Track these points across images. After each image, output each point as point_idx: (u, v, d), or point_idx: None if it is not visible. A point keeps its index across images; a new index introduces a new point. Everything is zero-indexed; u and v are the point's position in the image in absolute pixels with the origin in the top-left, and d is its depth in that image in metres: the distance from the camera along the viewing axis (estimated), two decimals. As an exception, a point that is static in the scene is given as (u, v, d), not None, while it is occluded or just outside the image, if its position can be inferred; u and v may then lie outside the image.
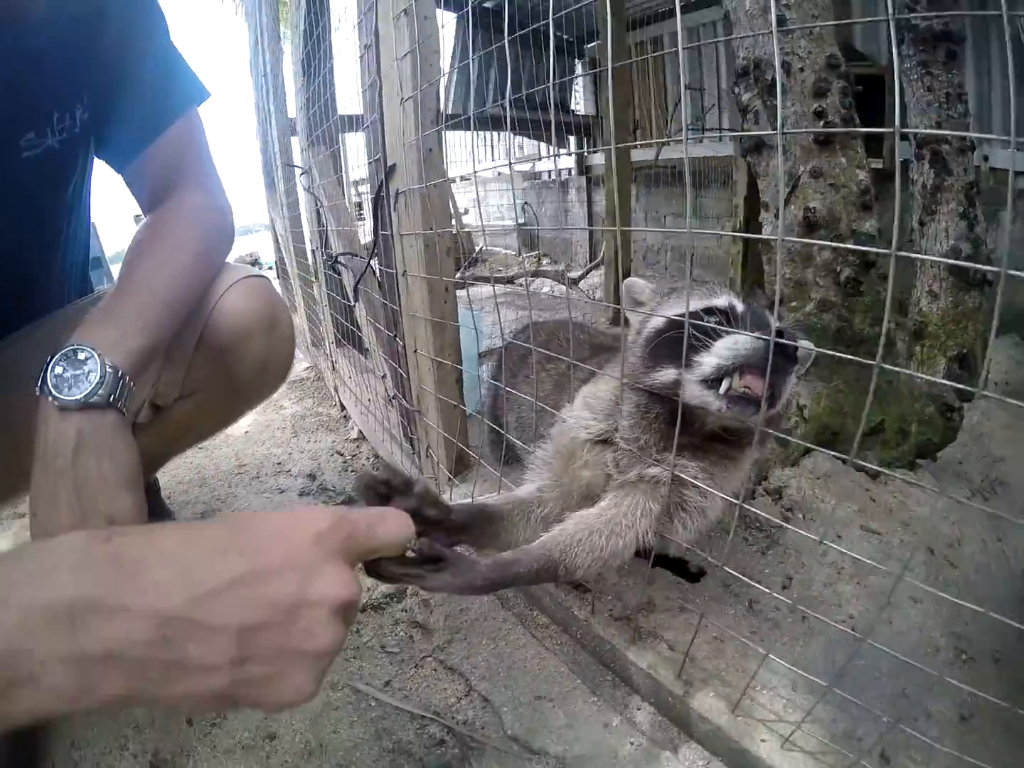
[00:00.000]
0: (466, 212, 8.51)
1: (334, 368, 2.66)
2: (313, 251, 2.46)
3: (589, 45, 6.54)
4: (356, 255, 1.73)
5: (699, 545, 1.48)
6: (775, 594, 1.02)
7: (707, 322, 0.87)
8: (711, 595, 1.33)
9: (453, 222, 7.19)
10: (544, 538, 0.97)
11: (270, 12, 3.21)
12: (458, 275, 5.33)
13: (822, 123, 1.58)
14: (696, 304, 0.95)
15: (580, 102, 7.59)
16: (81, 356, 0.68)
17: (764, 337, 0.78)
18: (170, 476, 2.16)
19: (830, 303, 1.59)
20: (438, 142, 1.32)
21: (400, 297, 1.50)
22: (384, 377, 1.84)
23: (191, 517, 1.89)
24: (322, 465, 2.31)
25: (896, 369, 1.67)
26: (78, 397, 0.66)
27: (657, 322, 0.98)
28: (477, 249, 7.42)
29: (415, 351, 1.50)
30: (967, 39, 4.74)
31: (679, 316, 0.92)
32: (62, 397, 0.66)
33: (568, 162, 7.39)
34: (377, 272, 1.66)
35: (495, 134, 7.28)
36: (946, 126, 2.87)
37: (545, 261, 7.45)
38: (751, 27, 1.64)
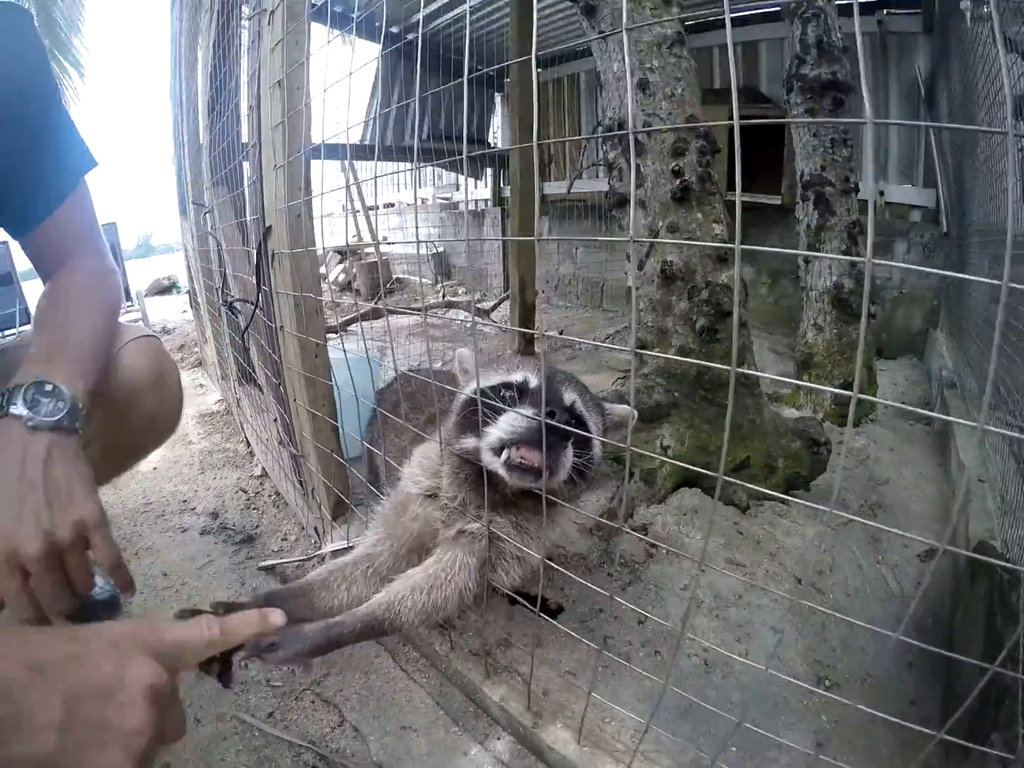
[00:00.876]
0: (386, 240, 8.53)
1: (239, 405, 2.64)
2: (217, 290, 2.44)
3: (507, 79, 6.72)
4: (249, 302, 1.74)
5: (557, 582, 1.56)
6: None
7: (504, 396, 1.00)
8: (568, 630, 1.38)
9: (369, 250, 7.22)
10: (372, 599, 1.06)
11: (189, 42, 3.17)
12: (372, 303, 5.43)
13: (678, 181, 1.70)
14: (494, 379, 1.07)
15: (498, 135, 7.72)
16: (48, 388, 0.79)
17: (533, 417, 0.89)
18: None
19: (689, 349, 1.71)
20: (306, 210, 1.37)
21: (279, 349, 1.53)
22: (275, 420, 1.85)
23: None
24: (226, 503, 2.29)
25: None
26: (51, 419, 0.77)
27: (465, 395, 1.09)
28: (393, 278, 7.43)
29: (294, 400, 1.53)
30: (855, 88, 5.11)
31: (479, 390, 1.02)
32: (37, 417, 0.76)
33: (484, 193, 7.52)
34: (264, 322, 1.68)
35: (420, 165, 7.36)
36: (829, 169, 3.11)
37: (461, 290, 7.53)
38: (617, 88, 1.75)
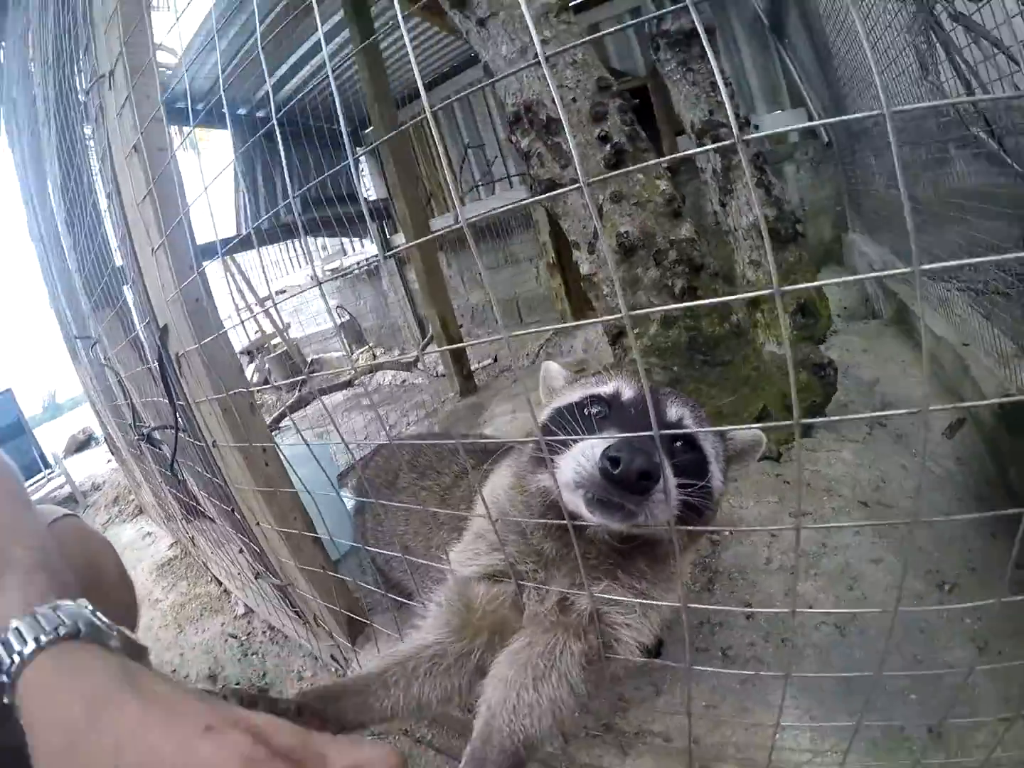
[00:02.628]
0: (288, 327, 8.28)
1: (194, 544, 2.31)
2: (129, 426, 2.13)
3: (366, 131, 6.60)
4: (167, 427, 1.46)
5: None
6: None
7: (589, 412, 0.79)
8: (678, 662, 1.19)
9: (276, 340, 6.92)
10: (479, 722, 0.81)
11: (35, 170, 2.85)
12: (296, 392, 5.16)
13: (608, 146, 1.55)
14: (578, 393, 0.85)
15: (371, 188, 7.61)
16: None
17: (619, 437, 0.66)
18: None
19: (672, 318, 1.55)
20: (205, 290, 1.12)
21: (220, 469, 1.26)
22: (241, 551, 1.56)
23: None
24: (219, 658, 2.01)
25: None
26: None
27: (543, 416, 0.88)
28: (309, 361, 7.19)
29: (257, 524, 1.25)
30: (716, 28, 5.28)
31: (558, 410, 0.83)
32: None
33: (373, 249, 7.31)
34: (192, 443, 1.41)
35: (300, 241, 7.15)
36: (717, 112, 3.08)
37: (379, 352, 7.29)
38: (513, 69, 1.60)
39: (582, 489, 0.71)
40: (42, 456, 5.24)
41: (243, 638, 2.04)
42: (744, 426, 0.78)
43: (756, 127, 5.04)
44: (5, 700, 0.50)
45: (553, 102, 1.52)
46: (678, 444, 0.80)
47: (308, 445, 1.13)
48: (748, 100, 5.35)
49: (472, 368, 4.40)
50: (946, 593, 1.25)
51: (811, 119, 5.03)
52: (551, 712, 0.81)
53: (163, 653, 2.13)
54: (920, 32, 2.19)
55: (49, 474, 5.21)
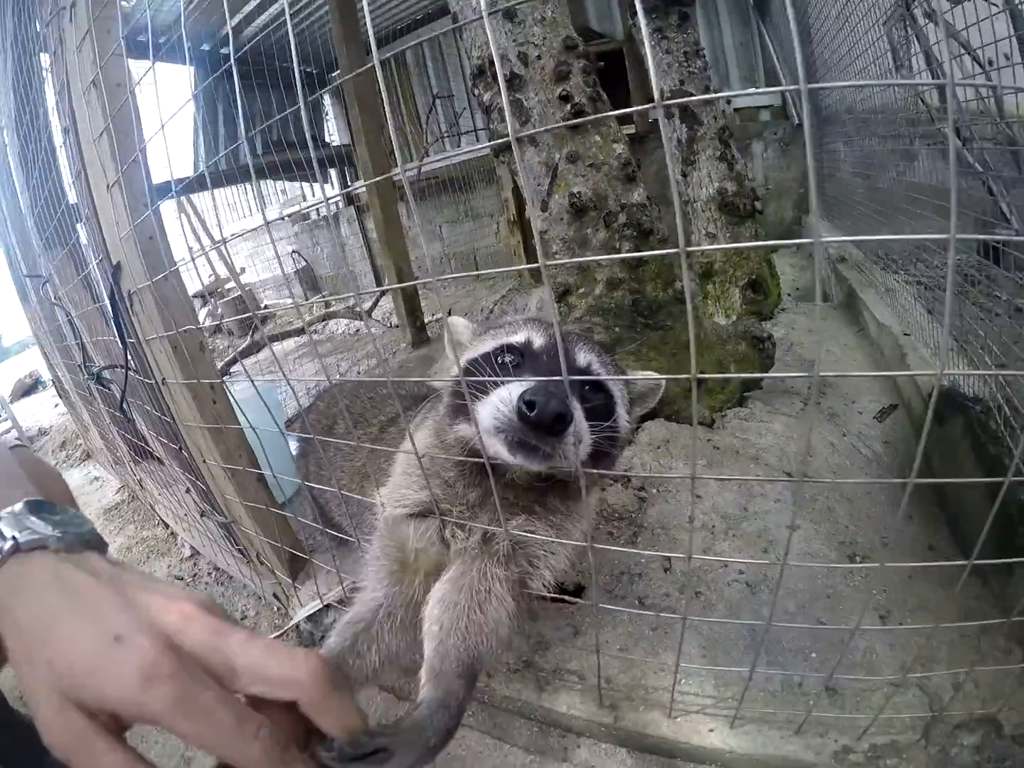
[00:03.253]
0: (243, 271, 8.04)
1: (142, 486, 2.31)
2: (79, 366, 2.09)
3: (333, 74, 6.34)
4: (117, 366, 1.46)
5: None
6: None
7: (504, 361, 0.82)
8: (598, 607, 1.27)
9: (231, 285, 6.73)
10: (430, 649, 0.87)
11: None
12: (248, 338, 5.05)
13: (569, 106, 1.57)
14: (490, 344, 0.88)
15: (334, 132, 7.38)
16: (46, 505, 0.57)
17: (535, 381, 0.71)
18: None
19: (617, 280, 1.60)
20: (159, 227, 1.12)
21: (169, 406, 1.28)
22: (188, 491, 1.58)
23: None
24: (165, 599, 2.00)
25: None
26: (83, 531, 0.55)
27: (455, 371, 0.89)
28: (262, 306, 7.03)
29: (204, 461, 1.28)
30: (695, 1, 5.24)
31: (472, 361, 0.86)
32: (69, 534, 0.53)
33: (332, 193, 7.16)
34: (141, 382, 1.41)
35: (260, 183, 6.88)
36: (688, 83, 3.10)
37: (333, 302, 7.17)
38: (481, 23, 1.59)
39: (502, 434, 0.74)
40: None
41: (189, 580, 2.06)
42: (646, 374, 0.84)
43: (728, 102, 5.08)
44: None
45: (518, 57, 1.53)
46: (587, 388, 0.85)
47: (256, 387, 1.16)
48: (723, 75, 5.36)
49: (426, 320, 4.37)
50: (856, 563, 1.33)
51: (785, 102, 5.08)
52: (496, 631, 0.88)
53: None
54: (896, 24, 2.24)
55: None
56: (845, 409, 2.02)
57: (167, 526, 2.40)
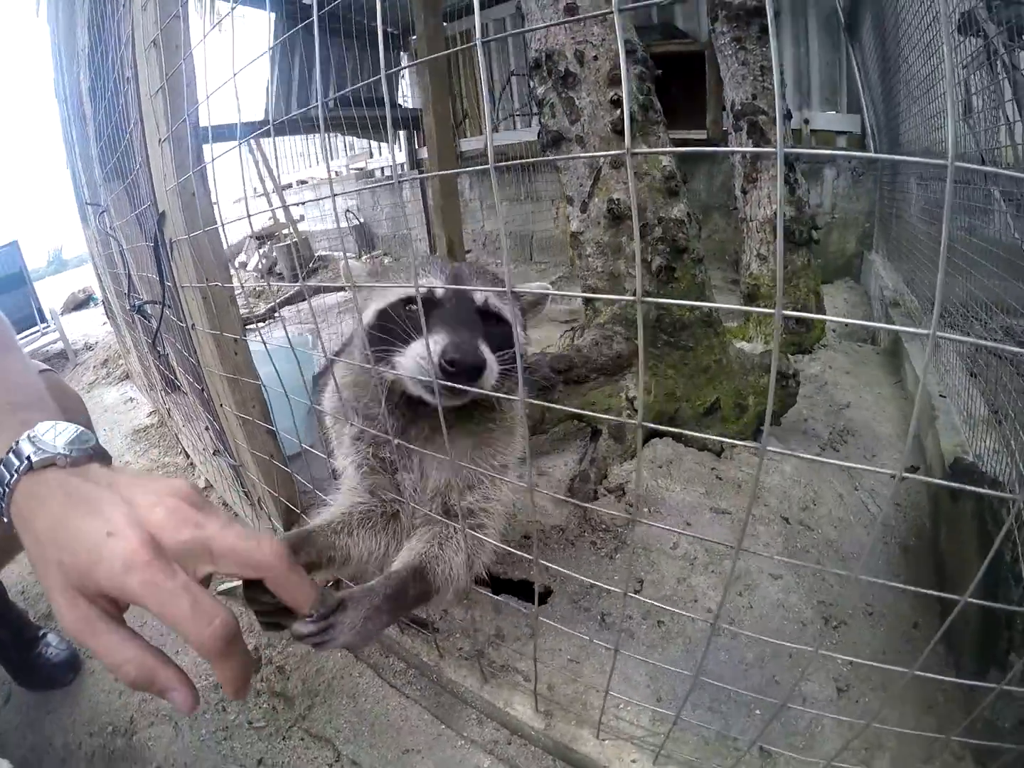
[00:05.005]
0: (301, 219, 8.10)
1: (170, 415, 2.42)
2: (124, 294, 2.20)
3: (413, 37, 6.34)
4: (156, 302, 1.54)
5: (543, 558, 1.46)
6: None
7: (411, 311, 0.92)
8: (561, 615, 1.30)
9: (287, 230, 6.82)
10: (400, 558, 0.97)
11: (67, 26, 2.81)
12: (297, 285, 5.04)
13: (619, 112, 1.56)
14: (394, 295, 0.96)
15: (408, 95, 7.27)
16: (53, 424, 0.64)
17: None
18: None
19: (645, 292, 1.59)
20: (203, 185, 1.17)
21: (195, 350, 1.35)
22: (207, 428, 1.67)
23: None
24: (173, 524, 2.11)
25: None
26: (87, 445, 0.63)
27: (368, 317, 0.98)
28: (315, 256, 7.11)
29: (221, 405, 1.35)
30: (780, 12, 5.07)
31: (381, 312, 0.95)
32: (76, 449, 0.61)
33: (400, 158, 7.15)
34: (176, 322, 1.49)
35: (328, 136, 6.94)
36: (760, 98, 3.02)
37: (387, 260, 7.17)
38: (542, 18, 1.59)
39: (425, 385, 0.84)
40: (39, 310, 5.21)
41: (201, 510, 2.17)
42: (533, 286, 1.05)
43: (806, 121, 4.93)
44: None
45: (574, 55, 1.53)
46: (489, 322, 0.94)
47: (289, 341, 1.20)
48: (805, 93, 5.18)
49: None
50: (830, 629, 1.28)
51: (864, 129, 4.90)
52: (451, 566, 0.96)
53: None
54: (977, 69, 2.13)
55: (44, 328, 5.19)
56: (863, 460, 1.95)
57: (188, 456, 2.50)
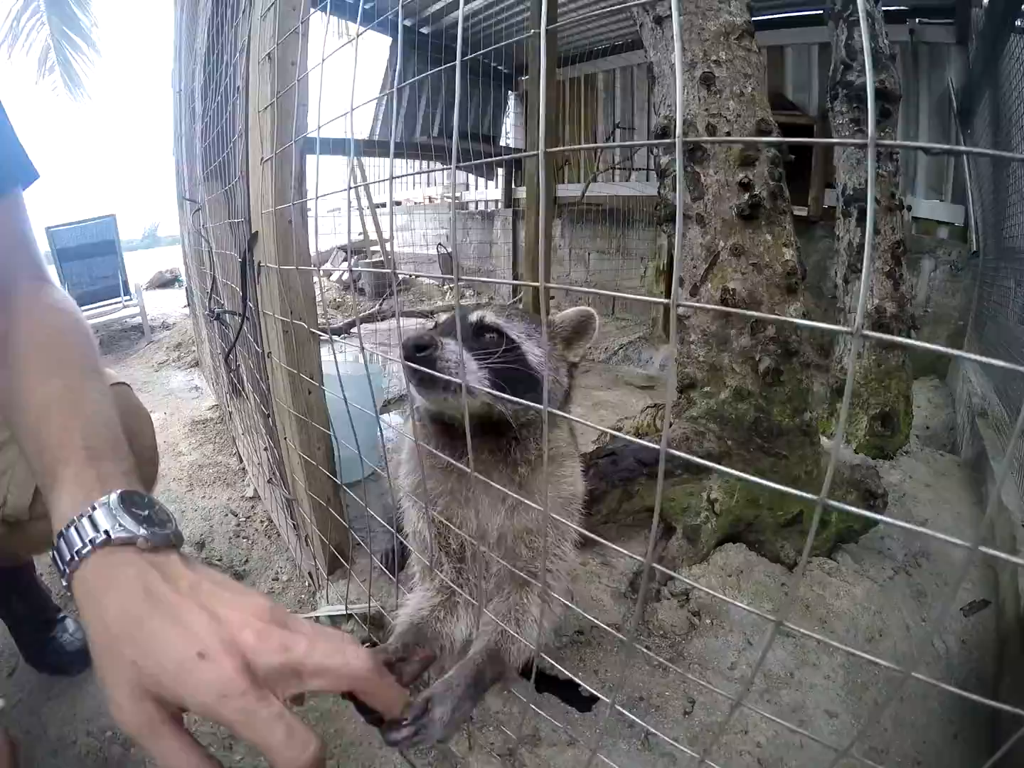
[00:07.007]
0: (392, 239, 8.27)
1: (231, 416, 2.42)
2: (207, 293, 2.22)
3: (523, 77, 6.46)
4: (236, 314, 1.52)
5: (590, 664, 1.35)
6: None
7: None
8: (604, 726, 1.18)
9: (375, 248, 6.97)
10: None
11: (189, 23, 2.93)
12: (377, 305, 5.20)
13: (747, 195, 1.47)
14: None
15: (511, 134, 7.47)
16: (136, 498, 0.61)
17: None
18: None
19: (747, 392, 1.48)
20: (301, 217, 1.13)
21: (268, 377, 1.31)
22: (267, 450, 1.62)
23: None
24: (214, 528, 2.10)
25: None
26: (166, 532, 0.60)
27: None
28: (400, 278, 7.20)
29: (285, 439, 1.30)
30: (901, 96, 4.93)
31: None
32: (159, 533, 0.58)
33: (495, 194, 7.26)
34: (253, 342, 1.46)
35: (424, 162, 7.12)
36: (875, 184, 2.89)
37: (468, 294, 7.18)
38: (675, 83, 1.52)
39: (408, 380, 0.83)
40: (125, 283, 5.42)
41: (242, 519, 2.12)
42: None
43: (909, 208, 4.73)
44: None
45: (706, 128, 1.44)
46: (488, 337, 0.91)
47: (367, 366, 1.14)
48: (910, 178, 5.00)
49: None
50: None
51: (967, 221, 4.68)
52: (537, 637, 0.94)
53: (168, 505, 2.24)
54: None
55: (126, 301, 5.40)
56: (935, 591, 1.80)
57: (241, 460, 2.49)
